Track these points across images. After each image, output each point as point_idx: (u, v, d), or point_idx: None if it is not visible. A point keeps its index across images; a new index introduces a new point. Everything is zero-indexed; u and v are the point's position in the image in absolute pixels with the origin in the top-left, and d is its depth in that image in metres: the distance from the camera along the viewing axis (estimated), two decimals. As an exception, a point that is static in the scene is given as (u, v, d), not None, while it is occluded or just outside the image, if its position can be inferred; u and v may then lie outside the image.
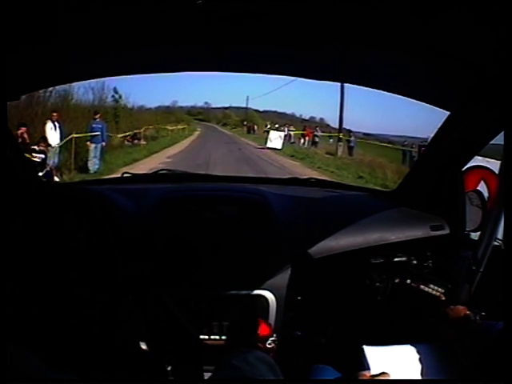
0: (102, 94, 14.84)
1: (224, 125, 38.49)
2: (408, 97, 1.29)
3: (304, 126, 23.30)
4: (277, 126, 24.42)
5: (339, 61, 1.13)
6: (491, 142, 1.21)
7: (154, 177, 1.79)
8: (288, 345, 1.31)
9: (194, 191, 1.48)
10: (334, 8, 0.77)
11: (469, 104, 1.11)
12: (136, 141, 14.72)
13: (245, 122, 34.01)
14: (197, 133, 28.18)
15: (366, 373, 0.80)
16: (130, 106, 18.12)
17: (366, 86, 1.32)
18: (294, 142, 19.97)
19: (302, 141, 20.31)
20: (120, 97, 15.47)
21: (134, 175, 1.76)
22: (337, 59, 1.12)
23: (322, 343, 1.38)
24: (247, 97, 45.70)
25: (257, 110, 38.79)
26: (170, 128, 21.43)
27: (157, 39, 0.99)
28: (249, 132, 30.21)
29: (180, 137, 21.56)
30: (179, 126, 24.69)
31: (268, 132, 19.38)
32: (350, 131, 17.95)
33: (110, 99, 15.00)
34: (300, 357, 1.30)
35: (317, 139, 20.02)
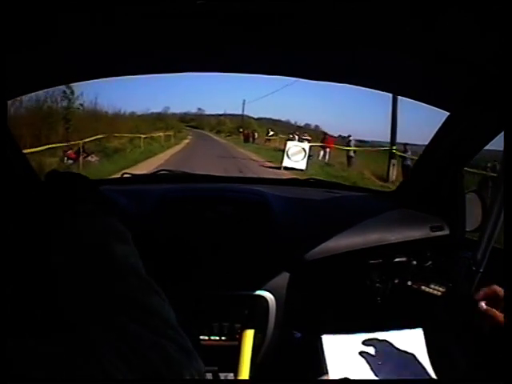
0: (53, 91, 10.66)
1: (218, 132, 36.00)
2: (408, 97, 1.29)
3: (324, 135, 17.45)
4: (272, 133, 20.32)
5: (339, 61, 1.13)
6: (488, 148, 1.21)
7: (154, 177, 1.79)
8: (287, 346, 1.31)
9: (193, 191, 1.48)
10: (333, 8, 0.77)
11: (469, 104, 1.11)
12: (85, 156, 10.51)
13: (240, 129, 30.16)
14: (186, 141, 23.28)
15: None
16: (105, 109, 13.79)
17: (366, 87, 1.32)
18: (311, 156, 14.13)
19: (322, 153, 15.50)
20: (72, 93, 11.27)
21: (134, 175, 1.76)
22: (337, 59, 1.12)
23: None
24: (244, 100, 42.68)
25: (251, 117, 37.50)
26: (144, 136, 15.94)
27: (157, 39, 0.99)
28: (247, 141, 25.21)
29: (161, 147, 16.47)
30: (161, 133, 19.52)
31: (270, 140, 15.39)
32: (405, 144, 12.93)
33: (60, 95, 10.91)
34: (299, 357, 1.30)
35: (352, 154, 14.41)
